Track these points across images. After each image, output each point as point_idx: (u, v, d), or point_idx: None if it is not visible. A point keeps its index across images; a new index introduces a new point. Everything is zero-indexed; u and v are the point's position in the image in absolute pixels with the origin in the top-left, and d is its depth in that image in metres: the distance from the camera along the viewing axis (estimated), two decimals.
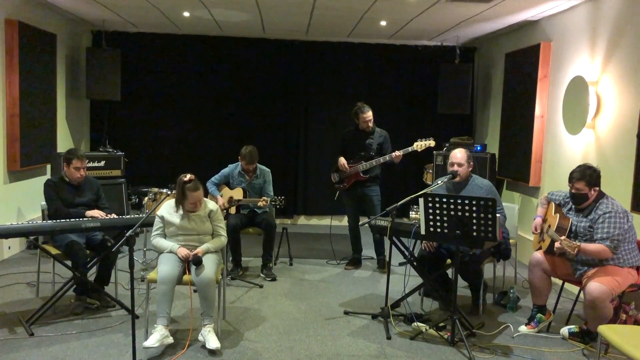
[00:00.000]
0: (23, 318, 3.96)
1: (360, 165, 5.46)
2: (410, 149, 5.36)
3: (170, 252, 3.79)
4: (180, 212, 3.90)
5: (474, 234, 3.71)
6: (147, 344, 3.52)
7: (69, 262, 4.11)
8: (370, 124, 5.51)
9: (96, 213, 4.25)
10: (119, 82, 6.91)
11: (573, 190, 3.88)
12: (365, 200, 5.57)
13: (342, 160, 5.54)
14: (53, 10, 6.32)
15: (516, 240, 5.10)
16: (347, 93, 7.81)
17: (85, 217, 4.17)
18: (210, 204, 4.03)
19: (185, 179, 3.84)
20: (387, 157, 5.39)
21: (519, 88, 6.34)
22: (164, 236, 3.91)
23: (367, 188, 5.55)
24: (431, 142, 5.34)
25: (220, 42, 7.64)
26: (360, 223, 4.97)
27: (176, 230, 3.88)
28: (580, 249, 3.59)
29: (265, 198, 5.15)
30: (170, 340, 3.65)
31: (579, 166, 3.91)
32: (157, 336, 3.57)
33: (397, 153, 5.35)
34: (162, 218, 3.90)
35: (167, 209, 3.94)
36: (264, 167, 5.43)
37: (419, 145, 5.33)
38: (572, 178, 3.87)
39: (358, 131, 5.58)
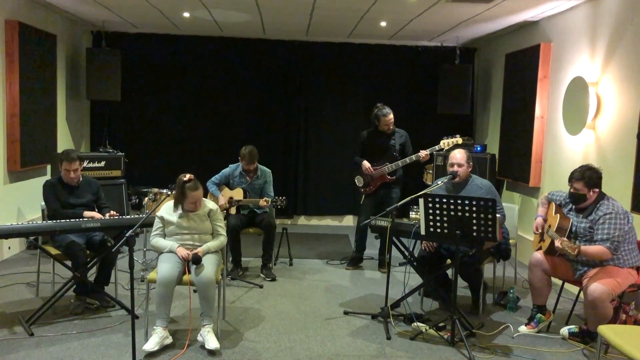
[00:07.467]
0: (23, 318, 3.96)
1: (386, 167, 5.38)
2: (437, 147, 5.23)
3: (170, 251, 3.80)
4: (180, 211, 3.91)
5: (474, 234, 3.72)
6: (147, 347, 3.52)
7: (68, 262, 4.12)
8: (392, 126, 5.44)
9: (93, 214, 4.24)
10: (119, 82, 6.91)
11: (571, 190, 3.91)
12: (388, 202, 5.35)
13: (367, 164, 5.45)
14: (53, 10, 6.32)
15: (516, 241, 5.10)
16: (347, 94, 7.84)
17: (84, 217, 4.17)
18: (210, 204, 4.03)
19: (185, 178, 3.86)
20: (413, 157, 5.28)
21: (519, 88, 6.34)
22: (164, 236, 3.92)
23: (391, 190, 5.48)
24: (458, 140, 5.17)
25: (220, 42, 7.64)
26: (362, 223, 4.95)
27: (176, 230, 3.89)
28: (581, 250, 3.60)
29: (266, 198, 5.15)
30: (170, 340, 3.66)
31: (581, 166, 3.92)
32: (156, 339, 3.58)
33: (425, 152, 5.25)
34: (161, 218, 3.91)
35: (167, 210, 3.95)
36: (264, 168, 5.43)
37: (445, 143, 5.19)
38: (571, 177, 3.89)
39: (378, 132, 5.49)
